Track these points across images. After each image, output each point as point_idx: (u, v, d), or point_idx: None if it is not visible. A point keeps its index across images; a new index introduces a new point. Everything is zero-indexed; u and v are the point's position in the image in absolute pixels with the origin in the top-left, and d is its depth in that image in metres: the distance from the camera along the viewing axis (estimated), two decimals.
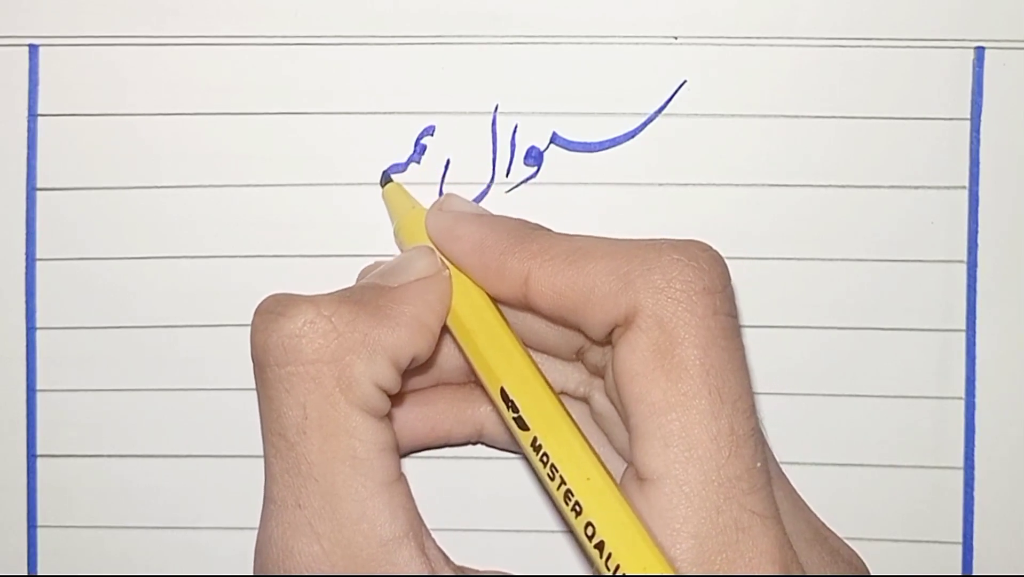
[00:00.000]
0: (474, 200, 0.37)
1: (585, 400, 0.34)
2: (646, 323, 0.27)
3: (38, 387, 0.38)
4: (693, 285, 0.27)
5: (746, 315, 0.37)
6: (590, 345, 0.32)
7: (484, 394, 0.35)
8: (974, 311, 0.37)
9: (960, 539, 0.38)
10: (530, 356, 0.31)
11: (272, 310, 0.29)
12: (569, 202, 0.37)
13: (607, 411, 0.33)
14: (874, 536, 0.38)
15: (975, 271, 0.37)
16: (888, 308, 0.38)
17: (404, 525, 0.28)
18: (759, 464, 0.27)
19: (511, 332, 0.31)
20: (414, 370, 0.32)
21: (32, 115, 0.37)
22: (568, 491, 0.28)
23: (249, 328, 0.29)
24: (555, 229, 0.37)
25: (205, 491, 0.38)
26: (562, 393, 0.34)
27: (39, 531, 0.38)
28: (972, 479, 0.37)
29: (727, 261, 0.37)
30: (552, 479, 0.28)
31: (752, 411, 0.28)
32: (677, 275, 0.27)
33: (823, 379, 0.38)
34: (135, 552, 0.38)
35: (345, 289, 0.30)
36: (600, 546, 0.27)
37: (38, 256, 0.38)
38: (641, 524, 0.27)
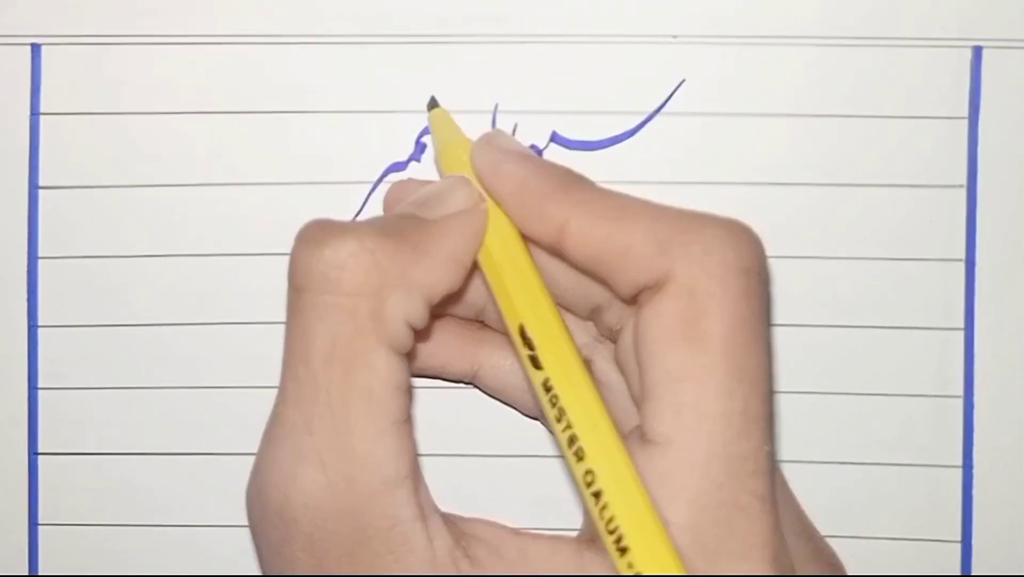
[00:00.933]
0: None
1: (587, 364, 0.34)
2: (677, 291, 0.27)
3: (39, 385, 0.38)
4: (731, 263, 0.27)
5: None
6: (608, 305, 0.32)
7: (489, 337, 0.35)
8: (972, 310, 0.37)
9: (959, 538, 0.38)
10: (553, 301, 0.30)
11: (315, 238, 0.28)
12: None
13: (607, 379, 0.33)
14: (873, 535, 0.38)
15: (973, 270, 0.37)
16: (886, 307, 0.38)
17: (406, 467, 0.28)
18: (767, 448, 0.27)
19: (538, 273, 0.31)
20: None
21: (34, 114, 0.37)
22: (573, 435, 0.28)
23: (288, 263, 0.29)
24: None
25: (205, 490, 0.38)
26: None
27: (40, 529, 0.38)
28: (971, 478, 0.38)
29: None
30: (559, 421, 0.28)
31: (768, 396, 0.27)
32: (717, 250, 0.27)
33: (822, 378, 0.38)
34: (135, 551, 0.38)
35: (384, 218, 0.30)
36: (597, 494, 0.27)
37: (40, 254, 0.38)
38: (641, 481, 0.27)
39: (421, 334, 0.30)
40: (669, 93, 0.37)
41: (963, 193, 0.37)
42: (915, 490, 0.38)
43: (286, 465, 0.27)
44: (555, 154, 0.37)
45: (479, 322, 0.35)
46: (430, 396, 0.37)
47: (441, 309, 0.34)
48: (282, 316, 0.37)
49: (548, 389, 0.29)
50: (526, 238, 0.31)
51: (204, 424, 0.38)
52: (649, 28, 0.37)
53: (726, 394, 0.27)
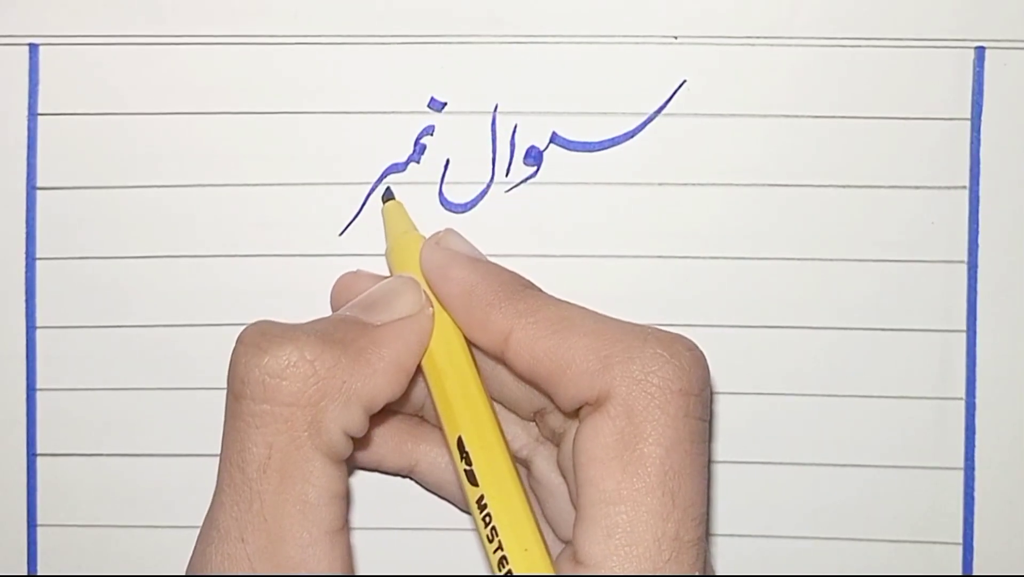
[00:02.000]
0: (474, 200, 0.37)
1: (526, 464, 0.34)
2: (615, 410, 0.27)
3: (38, 386, 0.38)
4: (671, 384, 0.27)
5: (747, 316, 0.37)
6: (551, 410, 0.32)
7: (427, 433, 0.35)
8: (975, 312, 0.37)
9: (960, 540, 0.38)
10: (495, 413, 0.31)
11: (256, 344, 0.29)
12: (569, 202, 0.37)
13: (547, 480, 0.33)
14: (874, 536, 0.38)
15: (975, 271, 0.37)
16: (889, 309, 0.37)
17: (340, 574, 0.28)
18: (697, 573, 0.27)
19: (481, 384, 0.31)
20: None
21: (32, 114, 0.37)
22: (503, 557, 0.28)
23: (232, 351, 0.29)
24: (555, 229, 0.37)
25: (204, 491, 0.38)
26: None
27: (39, 530, 0.38)
28: (972, 480, 0.37)
29: (727, 261, 0.37)
30: (491, 541, 0.29)
31: (702, 519, 0.28)
32: (656, 370, 0.27)
33: (823, 379, 0.38)
34: (135, 552, 0.38)
35: (328, 322, 0.30)
36: None
37: (38, 255, 0.38)
38: None
39: (361, 440, 0.31)
40: (670, 94, 0.37)
41: (965, 194, 0.37)
42: (917, 492, 0.38)
43: (218, 570, 0.28)
44: (555, 154, 0.37)
45: (418, 416, 0.35)
46: None
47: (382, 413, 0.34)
48: (282, 316, 0.37)
49: (483, 507, 0.29)
50: (471, 344, 0.31)
51: (202, 425, 0.38)
52: (649, 28, 0.37)
53: (659, 519, 0.27)
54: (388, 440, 0.35)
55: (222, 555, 0.28)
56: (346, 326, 0.30)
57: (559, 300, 0.30)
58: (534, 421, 0.33)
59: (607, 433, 0.27)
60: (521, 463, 0.34)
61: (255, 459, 0.28)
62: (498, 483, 0.29)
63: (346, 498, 0.29)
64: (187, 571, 0.29)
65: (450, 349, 0.31)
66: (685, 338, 0.29)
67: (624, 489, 0.27)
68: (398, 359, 0.30)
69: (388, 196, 0.36)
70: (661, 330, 0.29)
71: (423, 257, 0.32)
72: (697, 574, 0.27)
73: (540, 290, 0.31)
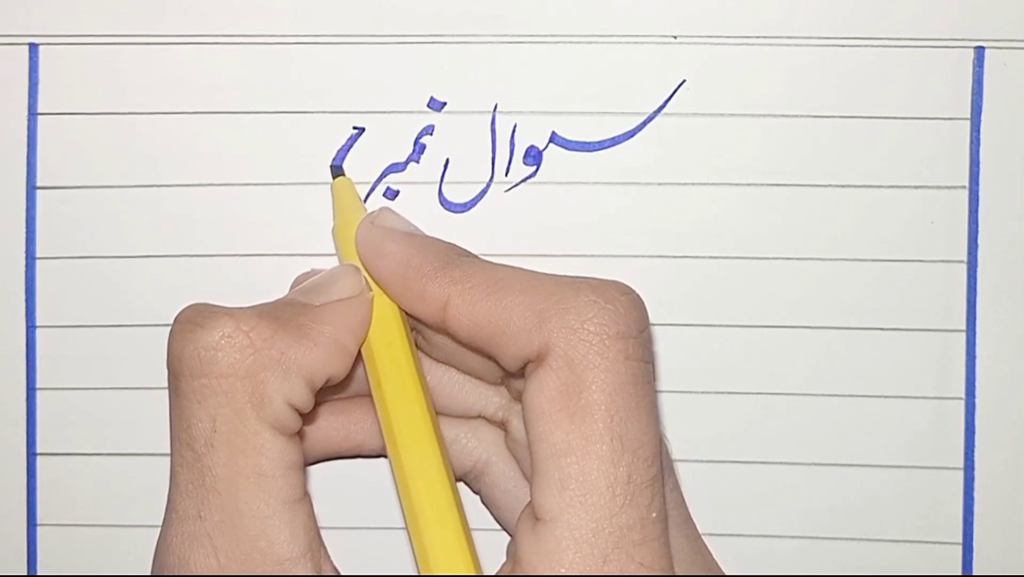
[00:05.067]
0: (473, 199, 0.37)
1: (503, 425, 0.34)
2: (556, 363, 0.27)
3: (38, 385, 0.38)
4: (607, 329, 0.27)
5: (746, 316, 0.37)
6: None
7: (368, 407, 0.35)
8: (974, 311, 0.37)
9: (960, 540, 0.38)
10: (430, 408, 0.31)
11: (191, 320, 0.29)
12: (568, 201, 0.37)
13: (523, 439, 0.33)
14: (874, 536, 0.38)
15: (975, 271, 0.37)
16: (888, 308, 0.37)
17: (303, 545, 0.28)
18: (654, 514, 0.27)
19: (417, 373, 0.31)
20: (333, 385, 0.32)
21: (32, 114, 0.37)
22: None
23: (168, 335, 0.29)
24: (554, 229, 0.37)
25: None
26: (480, 417, 0.34)
27: (39, 529, 0.38)
28: (972, 480, 0.37)
29: (727, 261, 0.37)
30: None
31: (654, 459, 0.27)
32: (592, 317, 0.27)
33: (823, 379, 0.38)
34: (135, 551, 0.38)
35: (267, 304, 0.30)
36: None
37: (38, 255, 0.38)
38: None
39: (325, 411, 0.31)
40: (670, 93, 0.37)
41: (965, 194, 0.37)
42: (916, 492, 0.38)
43: (179, 551, 0.28)
44: (554, 154, 0.37)
45: (358, 396, 0.35)
46: None
47: (347, 389, 0.34)
48: None
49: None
50: (412, 317, 0.31)
51: None
52: (649, 28, 0.37)
53: (609, 464, 0.27)
54: (364, 424, 0.35)
55: (182, 536, 0.28)
56: (284, 305, 0.30)
57: (495, 264, 0.30)
58: (503, 386, 0.33)
59: (551, 386, 0.27)
60: (499, 425, 0.34)
61: (201, 434, 0.28)
62: (429, 487, 0.29)
63: (302, 469, 0.29)
64: (154, 558, 0.29)
65: (388, 336, 0.31)
66: (620, 283, 0.29)
67: (573, 439, 0.27)
68: (337, 336, 0.30)
69: (337, 172, 0.35)
70: (595, 279, 0.29)
71: (358, 237, 0.32)
72: (655, 515, 0.27)
73: (476, 257, 0.31)
